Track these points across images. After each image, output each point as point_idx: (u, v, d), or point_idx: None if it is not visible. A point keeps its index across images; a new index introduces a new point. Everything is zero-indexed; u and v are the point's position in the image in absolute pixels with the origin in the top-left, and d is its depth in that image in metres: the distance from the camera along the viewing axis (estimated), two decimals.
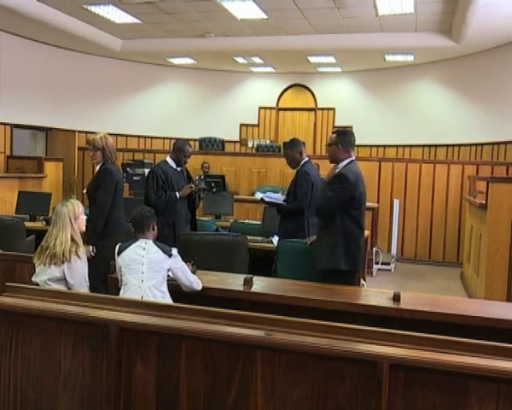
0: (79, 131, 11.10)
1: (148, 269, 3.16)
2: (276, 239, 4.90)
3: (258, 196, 4.79)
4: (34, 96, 10.37)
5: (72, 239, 3.30)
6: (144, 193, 4.90)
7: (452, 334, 2.21)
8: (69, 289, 3.23)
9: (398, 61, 10.77)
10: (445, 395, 1.99)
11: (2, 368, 2.53)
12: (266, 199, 4.71)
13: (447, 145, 10.72)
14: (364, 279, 6.54)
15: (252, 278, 3.50)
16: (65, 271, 3.24)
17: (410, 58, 10.52)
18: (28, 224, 5.73)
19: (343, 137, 3.99)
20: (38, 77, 10.50)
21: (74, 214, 3.36)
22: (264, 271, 4.26)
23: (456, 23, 8.45)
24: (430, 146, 11.03)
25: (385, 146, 11.61)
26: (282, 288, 3.58)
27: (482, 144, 9.83)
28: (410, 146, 11.31)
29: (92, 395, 2.42)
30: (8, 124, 9.74)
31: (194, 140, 10.73)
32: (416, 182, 8.85)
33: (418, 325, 2.80)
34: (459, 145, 10.44)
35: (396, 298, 3.18)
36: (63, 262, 3.24)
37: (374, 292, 3.72)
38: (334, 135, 4.02)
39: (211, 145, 10.67)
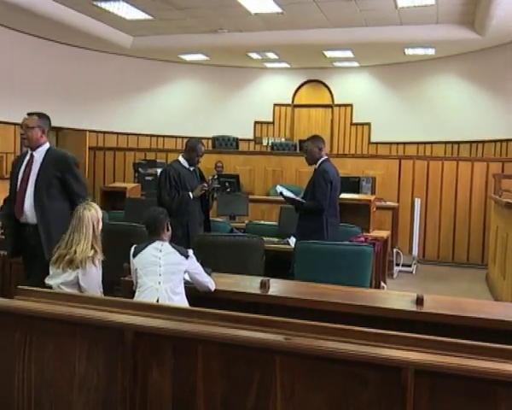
0: (90, 131, 11.20)
1: (165, 271, 3.20)
2: (293, 240, 4.90)
3: (279, 189, 4.81)
4: (44, 96, 10.47)
5: (93, 246, 3.31)
6: (157, 194, 4.93)
7: (478, 339, 2.19)
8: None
9: (418, 54, 10.69)
10: (472, 403, 1.97)
11: (17, 373, 2.56)
12: (285, 193, 4.73)
13: (470, 142, 10.61)
14: (385, 282, 6.51)
15: (269, 281, 3.50)
16: (79, 275, 3.27)
17: (430, 52, 10.44)
18: None
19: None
20: (49, 76, 10.61)
21: (97, 218, 3.37)
22: (280, 273, 4.26)
23: (479, 14, 8.37)
24: (452, 143, 10.92)
25: (405, 143, 11.53)
26: (299, 291, 3.59)
27: (507, 140, 9.71)
28: (432, 143, 11.21)
29: (107, 400, 2.44)
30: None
31: (207, 139, 10.75)
32: (437, 180, 8.77)
33: (442, 329, 2.78)
34: (483, 142, 10.33)
35: (419, 301, 3.16)
36: (77, 267, 3.26)
37: (395, 295, 3.72)
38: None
39: (224, 144, 10.69)
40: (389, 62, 11.61)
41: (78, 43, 10.77)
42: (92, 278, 3.31)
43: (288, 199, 4.79)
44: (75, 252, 3.26)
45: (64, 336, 2.52)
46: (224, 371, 2.28)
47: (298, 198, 4.71)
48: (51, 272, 3.35)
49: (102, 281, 3.43)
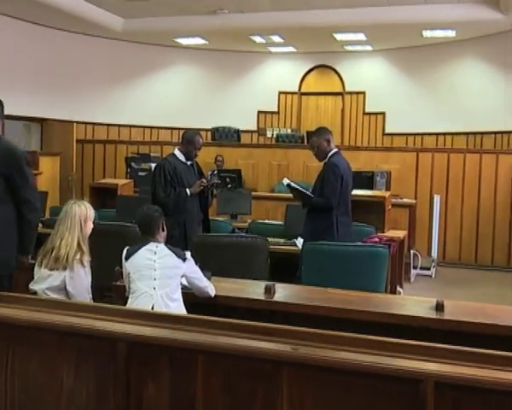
0: (78, 122, 11.21)
1: (160, 275, 3.20)
2: (300, 241, 4.90)
3: (286, 181, 4.81)
4: (27, 84, 10.48)
5: (79, 245, 3.34)
6: (151, 191, 4.94)
7: (503, 348, 2.19)
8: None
9: (437, 37, 10.66)
10: None
11: None
12: (293, 185, 4.73)
13: (495, 132, 10.58)
14: (401, 286, 6.50)
15: (274, 286, 3.50)
16: (66, 279, 3.28)
17: (450, 34, 10.40)
18: None
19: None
20: (31, 62, 10.61)
21: (85, 216, 3.40)
22: (286, 277, 4.27)
23: None
24: (475, 134, 10.89)
25: (423, 134, 11.51)
26: (307, 296, 3.59)
27: None
28: (452, 134, 11.19)
29: None
30: None
31: (206, 130, 10.74)
32: (459, 175, 8.76)
33: (464, 338, 2.78)
34: (509, 132, 10.30)
35: (439, 307, 3.16)
36: (65, 268, 3.28)
37: (413, 301, 3.72)
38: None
39: (225, 136, 10.69)
40: (405, 46, 11.58)
41: (64, 26, 10.77)
42: (81, 282, 3.33)
43: (295, 191, 4.79)
44: (59, 246, 3.29)
45: (50, 346, 2.52)
46: (226, 385, 2.28)
47: (306, 192, 4.70)
48: (36, 277, 3.37)
49: (92, 286, 3.44)
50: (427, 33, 10.43)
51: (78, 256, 3.32)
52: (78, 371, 2.47)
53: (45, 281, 3.31)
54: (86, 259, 3.37)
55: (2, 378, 2.56)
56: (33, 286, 3.34)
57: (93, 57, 11.59)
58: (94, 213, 3.51)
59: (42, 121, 11.18)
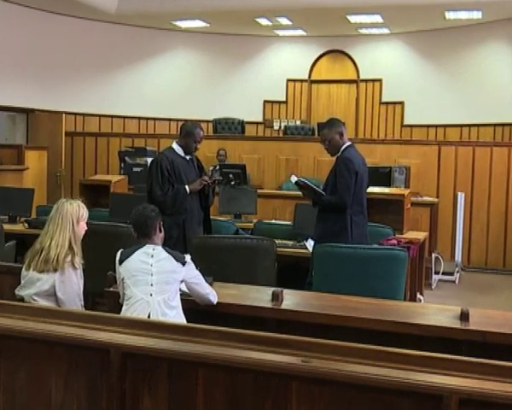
0: (67, 113, 11.24)
1: (157, 280, 3.21)
2: (310, 244, 4.91)
3: (294, 179, 4.81)
4: (11, 71, 10.51)
5: (70, 246, 3.36)
6: (147, 188, 4.96)
7: None
8: (59, 307, 3.29)
9: (461, 18, 10.63)
10: None
11: None
12: (303, 181, 4.73)
13: None
14: (422, 293, 6.50)
15: (282, 292, 3.51)
16: (56, 283, 3.30)
17: (476, 15, 10.37)
18: (7, 226, 5.84)
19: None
20: (17, 47, 10.63)
21: (78, 216, 3.42)
22: (295, 283, 4.28)
23: None
24: (503, 125, 10.87)
25: (445, 126, 11.49)
26: (319, 304, 3.60)
27: None
28: (478, 125, 11.16)
29: None
30: None
31: (207, 122, 10.76)
32: (486, 171, 8.73)
33: (491, 350, 2.78)
34: None
35: (464, 317, 3.16)
36: (55, 271, 3.29)
37: (434, 309, 3.72)
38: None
39: (228, 128, 10.70)
40: (426, 29, 11.55)
41: (53, 8, 10.80)
42: (72, 287, 3.34)
43: (305, 189, 4.78)
44: (49, 247, 3.31)
45: (38, 358, 2.54)
46: (229, 401, 2.29)
47: (318, 189, 4.70)
48: (23, 281, 3.38)
49: (83, 292, 3.45)
50: (450, 15, 10.40)
51: (69, 258, 3.34)
52: (69, 384, 2.49)
53: (33, 285, 3.33)
54: (78, 261, 3.39)
55: None
56: (20, 292, 3.36)
57: (84, 42, 11.60)
58: (87, 214, 3.53)
59: (28, 112, 11.21)
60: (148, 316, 3.11)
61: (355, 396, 2.14)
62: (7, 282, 3.91)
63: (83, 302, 3.43)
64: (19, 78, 10.68)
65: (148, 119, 12.34)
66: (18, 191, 7.11)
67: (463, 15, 10.43)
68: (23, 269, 3.41)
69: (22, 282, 3.39)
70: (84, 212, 3.49)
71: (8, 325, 2.60)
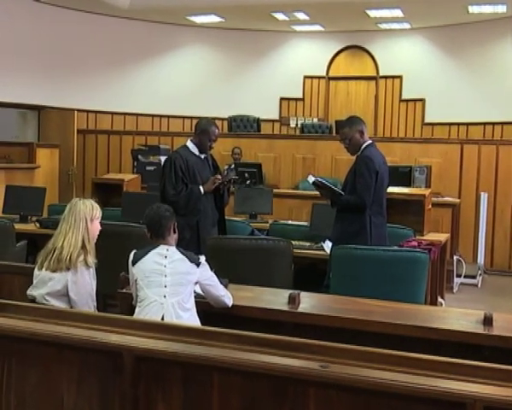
0: (79, 110, 11.30)
1: (171, 282, 3.22)
2: (328, 245, 4.90)
3: (311, 179, 4.80)
4: (23, 67, 10.58)
5: (83, 245, 3.38)
6: (160, 187, 4.97)
7: None
8: (71, 307, 3.31)
9: (485, 12, 10.56)
10: None
11: None
12: (320, 181, 4.72)
13: None
14: (443, 297, 6.46)
15: (299, 295, 3.50)
16: (68, 283, 3.33)
17: (501, 9, 10.30)
18: (18, 226, 5.88)
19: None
20: (28, 43, 10.70)
21: (91, 215, 3.45)
22: (312, 285, 4.28)
23: None
24: None
25: (468, 124, 11.41)
26: (337, 307, 3.59)
27: None
28: (502, 123, 11.08)
29: None
30: None
31: (222, 119, 10.76)
32: (510, 170, 8.67)
33: None
34: None
35: (487, 321, 3.14)
36: (67, 270, 3.32)
37: (456, 313, 3.72)
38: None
39: (243, 126, 10.70)
40: (448, 23, 11.48)
41: (64, 3, 10.86)
42: (84, 287, 3.37)
43: (322, 189, 4.77)
44: (62, 246, 3.34)
45: (49, 361, 2.54)
46: (246, 406, 2.28)
47: (336, 188, 4.69)
48: (35, 281, 3.41)
49: (96, 293, 3.47)
50: (473, 9, 10.33)
51: (81, 257, 3.37)
52: (81, 388, 2.49)
53: (46, 285, 3.35)
54: (91, 259, 3.41)
55: None
56: (32, 292, 3.39)
57: (96, 38, 11.66)
58: (101, 213, 3.56)
59: (39, 109, 11.27)
60: (162, 318, 3.12)
61: (374, 403, 2.13)
62: (18, 282, 3.95)
63: (95, 303, 3.45)
64: (30, 74, 10.73)
65: (161, 116, 12.37)
66: (29, 190, 7.15)
67: (487, 9, 10.36)
68: (35, 269, 3.45)
69: (34, 282, 3.42)
70: (97, 211, 3.52)
71: (18, 326, 2.62)
